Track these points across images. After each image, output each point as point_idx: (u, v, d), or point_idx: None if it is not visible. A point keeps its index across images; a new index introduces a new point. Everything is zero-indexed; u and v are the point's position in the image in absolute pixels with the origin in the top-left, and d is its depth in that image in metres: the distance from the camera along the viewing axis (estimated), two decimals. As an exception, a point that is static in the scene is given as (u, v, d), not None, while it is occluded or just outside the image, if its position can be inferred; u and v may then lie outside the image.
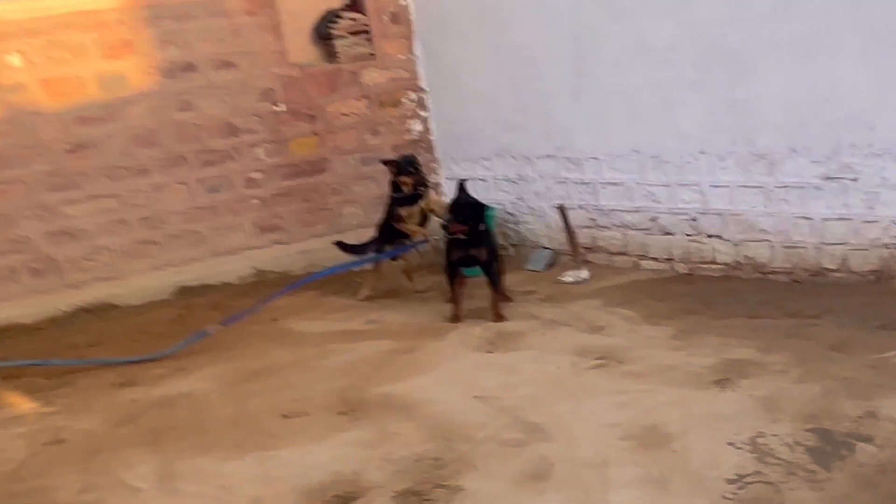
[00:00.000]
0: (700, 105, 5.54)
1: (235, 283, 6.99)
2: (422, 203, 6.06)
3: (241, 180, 7.12)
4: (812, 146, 5.03)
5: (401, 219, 6.09)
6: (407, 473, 3.45)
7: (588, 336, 4.89)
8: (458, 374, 4.55)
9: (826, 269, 5.15)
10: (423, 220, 6.13)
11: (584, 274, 6.20)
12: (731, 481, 3.01)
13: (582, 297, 5.72)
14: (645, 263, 6.21)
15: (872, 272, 4.93)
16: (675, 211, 5.90)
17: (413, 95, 7.74)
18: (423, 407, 4.12)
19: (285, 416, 4.24)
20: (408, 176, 6.00)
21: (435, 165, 7.78)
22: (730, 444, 3.28)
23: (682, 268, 5.94)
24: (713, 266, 5.75)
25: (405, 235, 6.20)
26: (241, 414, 4.36)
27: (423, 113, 7.78)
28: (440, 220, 5.85)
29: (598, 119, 6.24)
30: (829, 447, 3.15)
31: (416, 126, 7.76)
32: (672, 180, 5.86)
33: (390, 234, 6.28)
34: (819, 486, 2.91)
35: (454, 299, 5.54)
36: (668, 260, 6.03)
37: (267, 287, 6.81)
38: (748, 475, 3.03)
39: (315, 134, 7.38)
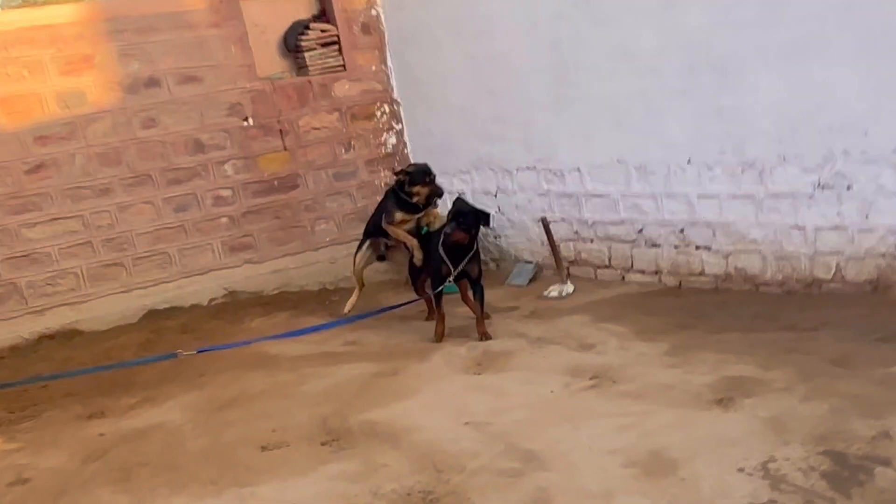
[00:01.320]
0: (686, 113, 5.43)
1: (206, 305, 6.77)
2: (421, 214, 5.79)
3: (210, 198, 6.90)
4: (804, 154, 4.93)
5: (393, 222, 5.79)
6: (398, 509, 3.27)
7: (579, 354, 4.75)
8: (446, 398, 4.38)
9: (820, 279, 5.04)
10: (417, 230, 5.83)
11: (568, 288, 6.06)
12: (745, 511, 2.86)
13: (568, 313, 5.57)
14: (631, 276, 6.08)
15: (868, 282, 4.83)
16: (662, 222, 5.79)
17: (386, 108, 7.57)
18: (411, 435, 3.95)
19: (264, 448, 4.04)
20: (423, 186, 5.71)
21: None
22: (740, 470, 3.13)
23: (670, 280, 5.82)
24: (702, 278, 5.63)
25: (386, 233, 5.93)
26: (217, 446, 4.16)
27: (397, 126, 7.62)
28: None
29: (581, 129, 6.11)
30: (845, 472, 3.01)
31: (391, 139, 7.60)
32: (658, 191, 5.75)
33: (376, 231, 6.04)
34: (840, 515, 2.77)
35: (440, 316, 5.38)
36: (656, 273, 5.91)
37: (239, 307, 6.64)
38: (763, 505, 2.88)
39: (285, 149, 7.19)
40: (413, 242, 5.74)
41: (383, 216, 5.85)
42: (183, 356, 4.85)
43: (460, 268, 5.25)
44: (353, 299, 6.14)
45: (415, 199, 5.73)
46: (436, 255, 5.36)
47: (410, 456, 3.71)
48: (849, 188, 4.79)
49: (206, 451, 4.11)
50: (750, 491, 2.97)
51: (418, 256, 5.70)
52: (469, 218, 5.25)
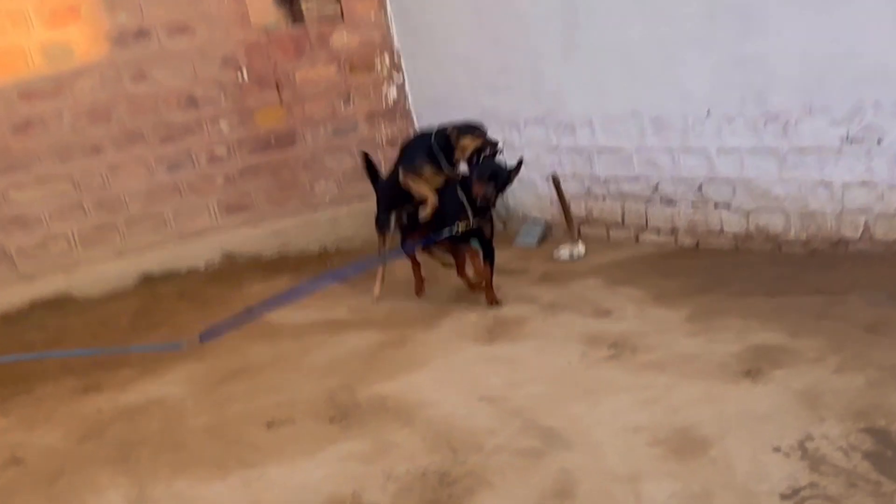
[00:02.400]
0: (706, 62, 5.21)
1: (203, 270, 6.62)
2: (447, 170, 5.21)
3: (204, 156, 6.72)
4: (831, 105, 4.73)
5: (420, 177, 5.18)
6: (413, 492, 3.15)
7: (595, 321, 4.60)
8: (458, 371, 4.25)
9: (847, 238, 4.88)
10: (443, 186, 5.23)
11: (580, 249, 5.90)
12: (785, 496, 2.73)
13: (581, 276, 5.43)
14: (645, 236, 5.94)
15: (899, 242, 4.68)
16: (679, 178, 5.61)
17: (386, 58, 7.35)
18: (423, 410, 3.82)
19: (269, 425, 3.93)
20: (474, 138, 5.08)
21: (413, 133, 7.40)
22: (776, 449, 3.00)
23: (687, 240, 5.67)
24: (721, 238, 5.48)
25: (410, 199, 5.33)
26: (220, 423, 4.04)
27: (397, 77, 7.41)
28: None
29: (593, 79, 5.91)
30: (889, 451, 2.88)
31: (391, 92, 7.39)
32: (675, 145, 5.55)
33: (396, 198, 5.43)
34: (888, 501, 2.64)
35: (461, 269, 5.30)
36: (672, 232, 5.76)
37: (237, 271, 6.51)
38: (803, 488, 2.75)
39: (282, 104, 6.99)
40: (434, 202, 5.16)
41: (403, 168, 5.27)
42: (185, 347, 4.58)
43: (475, 224, 5.03)
44: (378, 286, 5.60)
45: (456, 155, 5.16)
46: (454, 201, 5.05)
47: (423, 434, 3.58)
48: (879, 142, 4.60)
49: (209, 429, 3.99)
50: (788, 473, 2.84)
51: (426, 215, 5.18)
52: (505, 177, 4.94)
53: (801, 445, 3.00)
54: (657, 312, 4.58)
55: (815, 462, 2.88)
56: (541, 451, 3.29)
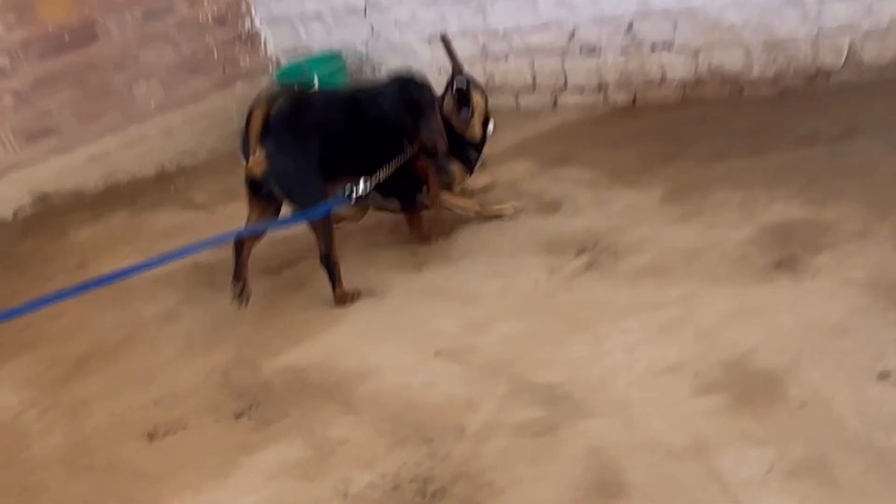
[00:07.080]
0: None
1: (11, 220, 5.54)
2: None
3: (-20, 71, 5.57)
4: None
5: None
6: (392, 520, 2.37)
7: (545, 220, 3.89)
8: (391, 315, 3.44)
9: (827, 69, 4.43)
10: None
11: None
12: (934, 452, 2.09)
13: (503, 159, 4.71)
14: (566, 99, 5.36)
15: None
16: (601, 18, 5.00)
17: None
18: (363, 383, 3.02)
19: (152, 436, 3.06)
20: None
21: (246, 6, 6.38)
22: (882, 376, 2.37)
23: (620, 97, 5.14)
24: (664, 89, 4.98)
25: None
26: (81, 444, 3.13)
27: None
28: None
29: None
30: None
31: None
32: (592, -25, 4.93)
33: None
34: None
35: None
36: (599, 89, 5.19)
37: (57, 215, 5.49)
38: (954, 435, 2.11)
39: (69, -14, 5.86)
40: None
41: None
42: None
43: None
44: None
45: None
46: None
47: (375, 420, 2.79)
48: (863, -66, 4.09)
49: (68, 455, 3.08)
50: (919, 413, 2.21)
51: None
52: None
53: (915, 365, 2.36)
54: (621, 197, 3.91)
55: (948, 390, 2.25)
56: (550, 423, 2.56)
